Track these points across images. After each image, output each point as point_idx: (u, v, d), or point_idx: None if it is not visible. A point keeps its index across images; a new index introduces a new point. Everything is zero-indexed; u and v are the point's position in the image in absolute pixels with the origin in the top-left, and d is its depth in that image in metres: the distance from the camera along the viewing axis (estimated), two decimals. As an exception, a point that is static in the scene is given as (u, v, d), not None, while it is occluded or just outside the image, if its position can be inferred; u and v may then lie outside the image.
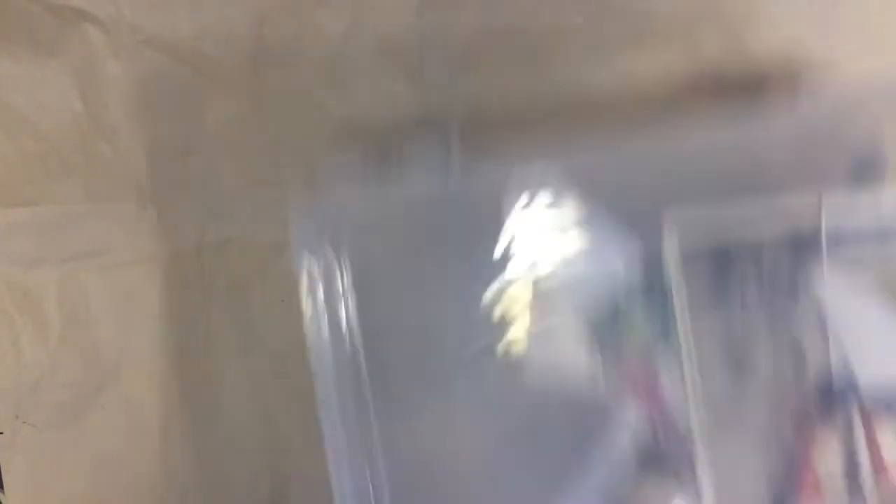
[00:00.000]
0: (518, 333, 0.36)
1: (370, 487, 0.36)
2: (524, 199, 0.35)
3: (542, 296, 0.36)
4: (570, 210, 0.35)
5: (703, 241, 0.35)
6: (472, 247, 0.36)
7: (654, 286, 0.35)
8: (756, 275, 0.35)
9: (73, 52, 0.41)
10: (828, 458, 0.34)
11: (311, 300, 0.35)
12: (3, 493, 0.41)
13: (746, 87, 0.41)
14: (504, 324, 0.36)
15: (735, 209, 0.35)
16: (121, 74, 0.42)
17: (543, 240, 0.36)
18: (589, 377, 0.35)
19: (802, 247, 0.34)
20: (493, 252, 0.36)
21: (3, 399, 0.41)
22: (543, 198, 0.36)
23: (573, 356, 0.36)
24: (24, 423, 0.41)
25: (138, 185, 0.42)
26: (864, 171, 0.35)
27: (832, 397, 0.34)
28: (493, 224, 0.36)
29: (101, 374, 0.42)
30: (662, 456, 0.35)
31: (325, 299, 0.35)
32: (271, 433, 0.42)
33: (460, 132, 0.41)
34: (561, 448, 0.36)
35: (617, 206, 0.35)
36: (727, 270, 0.35)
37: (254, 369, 0.43)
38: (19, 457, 0.41)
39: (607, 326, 0.35)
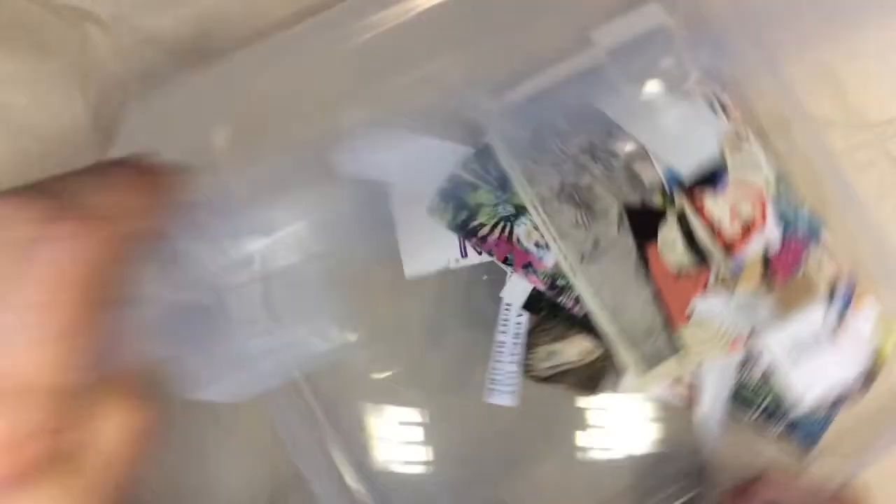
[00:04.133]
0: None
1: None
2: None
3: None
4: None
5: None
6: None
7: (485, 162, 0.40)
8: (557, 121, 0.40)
9: (74, 51, 0.40)
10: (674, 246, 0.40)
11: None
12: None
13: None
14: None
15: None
16: (122, 74, 0.40)
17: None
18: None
19: (593, 83, 0.41)
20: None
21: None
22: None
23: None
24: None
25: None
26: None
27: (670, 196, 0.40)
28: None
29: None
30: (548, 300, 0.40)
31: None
32: (271, 434, 0.41)
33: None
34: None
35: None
36: (539, 127, 0.40)
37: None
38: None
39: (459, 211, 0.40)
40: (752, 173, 0.40)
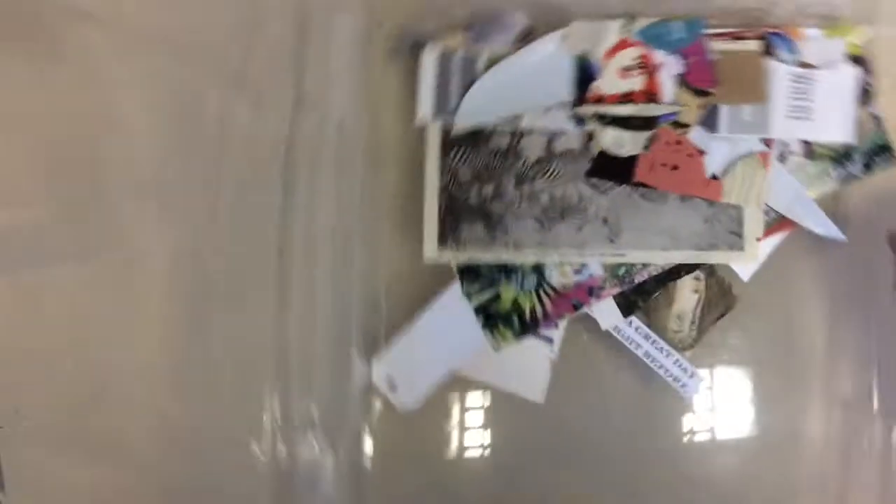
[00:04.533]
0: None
1: None
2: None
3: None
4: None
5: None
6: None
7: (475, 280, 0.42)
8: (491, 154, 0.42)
9: (75, 51, 0.40)
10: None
11: None
12: (3, 491, 0.37)
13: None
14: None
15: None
16: (123, 74, 0.40)
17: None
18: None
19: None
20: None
21: (2, 393, 0.37)
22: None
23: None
24: (24, 418, 0.37)
25: (140, 183, 0.40)
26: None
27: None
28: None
29: (103, 371, 0.40)
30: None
31: None
32: (272, 432, 0.42)
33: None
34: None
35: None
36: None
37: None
38: (19, 452, 0.37)
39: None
40: (602, 40, 0.41)
